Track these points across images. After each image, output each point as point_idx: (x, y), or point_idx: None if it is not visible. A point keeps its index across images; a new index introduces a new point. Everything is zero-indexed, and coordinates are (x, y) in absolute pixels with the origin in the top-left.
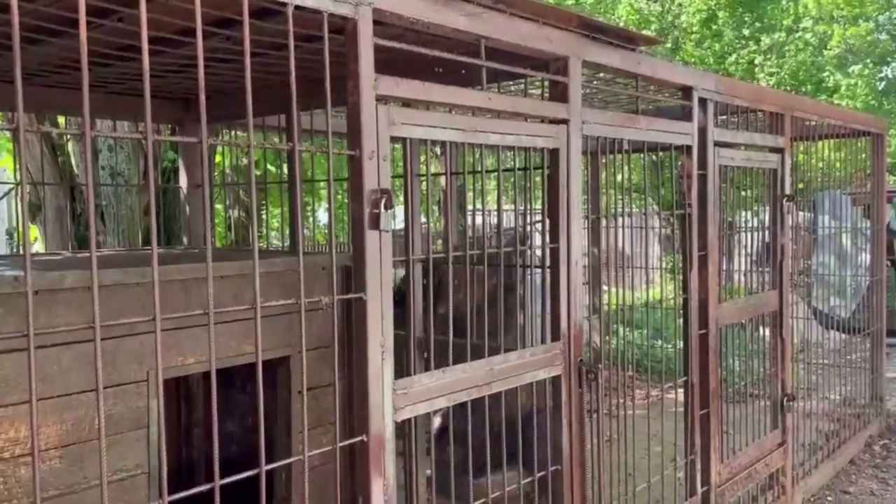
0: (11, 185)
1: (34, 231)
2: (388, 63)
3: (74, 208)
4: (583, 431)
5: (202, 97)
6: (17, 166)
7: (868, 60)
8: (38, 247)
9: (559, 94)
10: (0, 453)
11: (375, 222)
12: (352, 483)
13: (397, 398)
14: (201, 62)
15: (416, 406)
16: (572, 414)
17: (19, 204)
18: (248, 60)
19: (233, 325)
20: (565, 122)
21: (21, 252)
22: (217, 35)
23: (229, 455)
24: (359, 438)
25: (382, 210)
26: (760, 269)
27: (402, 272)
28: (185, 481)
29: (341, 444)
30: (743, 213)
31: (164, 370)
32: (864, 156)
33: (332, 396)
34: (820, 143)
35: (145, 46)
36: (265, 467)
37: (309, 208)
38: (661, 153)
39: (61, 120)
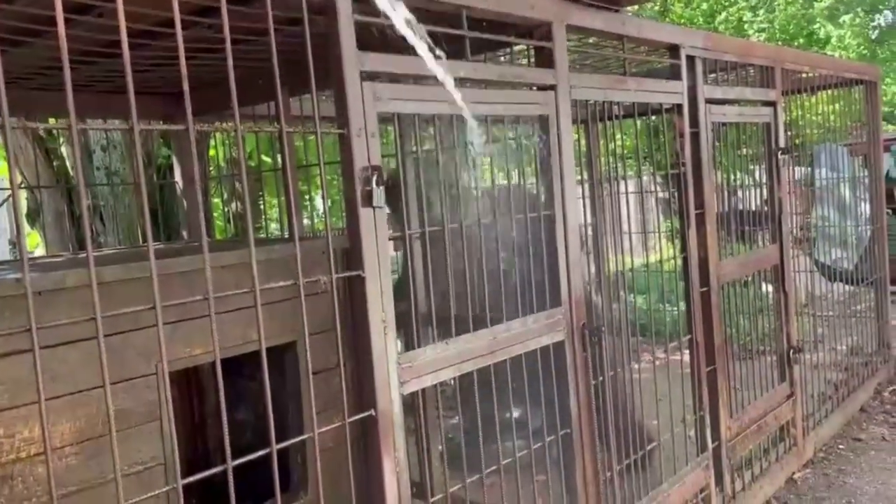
0: (6, 190)
1: (35, 236)
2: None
3: (73, 211)
4: (589, 394)
5: (186, 86)
6: (9, 166)
7: (859, 9)
8: (39, 251)
9: (545, 60)
10: (17, 453)
11: (368, 199)
12: (366, 464)
13: (403, 371)
14: (181, 43)
15: (422, 378)
16: (578, 377)
17: (15, 205)
18: (228, 44)
19: (237, 313)
20: (553, 87)
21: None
22: (199, 24)
23: (244, 443)
24: (367, 413)
25: (374, 187)
26: (760, 227)
27: None
28: (202, 471)
29: (350, 420)
30: (739, 173)
31: (173, 362)
32: (859, 107)
33: (340, 378)
34: (814, 97)
35: (123, 32)
36: (276, 446)
37: (306, 197)
38: (653, 118)
39: (52, 122)
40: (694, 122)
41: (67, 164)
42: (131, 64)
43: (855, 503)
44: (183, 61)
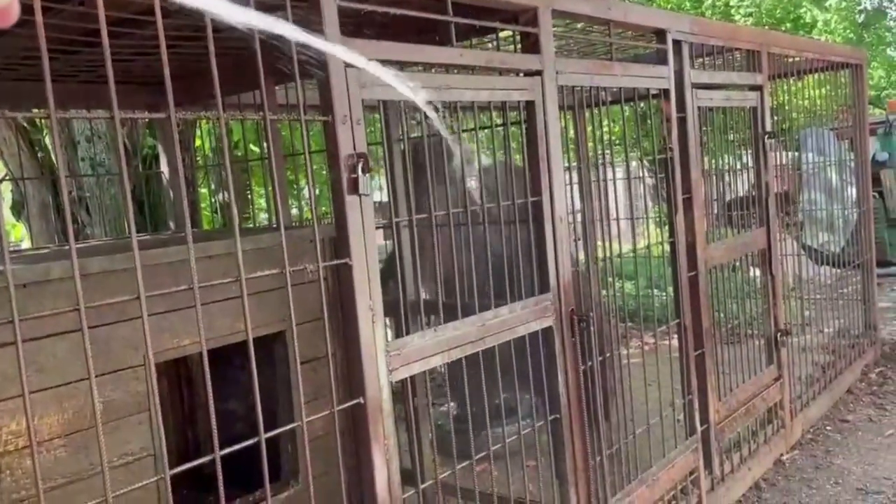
0: None
1: (20, 228)
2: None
3: (58, 203)
4: (579, 379)
5: (167, 74)
6: None
7: None
8: (25, 244)
9: (531, 45)
10: (4, 447)
11: (355, 187)
12: (357, 452)
13: (391, 359)
14: (161, 31)
15: (411, 366)
16: (567, 363)
17: None
18: (210, 31)
19: (225, 303)
20: (539, 73)
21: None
22: (178, 12)
23: (236, 433)
24: (355, 401)
25: (360, 174)
26: (748, 211)
27: None
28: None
29: (339, 408)
30: (727, 158)
31: (160, 353)
32: (845, 91)
33: (328, 366)
34: (800, 81)
35: (103, 21)
36: (265, 435)
37: (294, 186)
38: (641, 103)
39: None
40: (681, 106)
41: (52, 155)
42: (114, 53)
43: (843, 483)
44: (164, 49)
